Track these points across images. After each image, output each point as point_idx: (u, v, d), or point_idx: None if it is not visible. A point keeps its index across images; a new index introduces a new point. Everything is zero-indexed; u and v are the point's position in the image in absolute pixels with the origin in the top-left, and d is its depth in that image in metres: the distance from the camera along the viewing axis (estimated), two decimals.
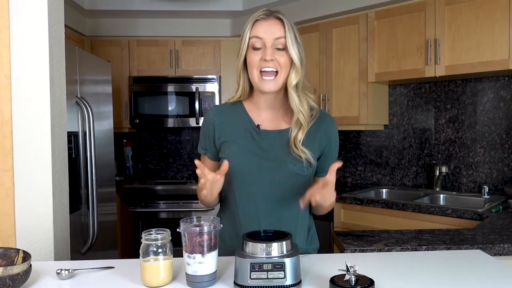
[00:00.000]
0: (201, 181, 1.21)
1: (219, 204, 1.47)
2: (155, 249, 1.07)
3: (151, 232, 1.10)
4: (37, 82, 1.54)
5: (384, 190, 3.21)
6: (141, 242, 1.09)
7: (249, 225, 1.31)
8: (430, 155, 3.14)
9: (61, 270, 1.14)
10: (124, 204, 3.56)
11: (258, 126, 1.35)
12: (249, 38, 1.29)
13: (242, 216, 1.34)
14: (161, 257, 1.07)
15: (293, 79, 1.29)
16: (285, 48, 1.27)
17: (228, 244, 1.33)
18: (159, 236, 1.08)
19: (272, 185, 1.31)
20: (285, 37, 1.26)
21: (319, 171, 1.37)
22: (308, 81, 1.36)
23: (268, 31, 1.27)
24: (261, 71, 1.28)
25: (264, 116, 1.37)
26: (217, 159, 1.40)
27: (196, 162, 1.17)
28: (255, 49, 1.28)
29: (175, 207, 3.54)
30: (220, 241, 1.31)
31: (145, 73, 3.84)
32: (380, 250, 1.64)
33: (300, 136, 1.30)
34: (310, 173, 1.34)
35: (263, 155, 1.31)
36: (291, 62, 1.29)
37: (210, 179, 1.17)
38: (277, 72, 1.28)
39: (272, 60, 1.26)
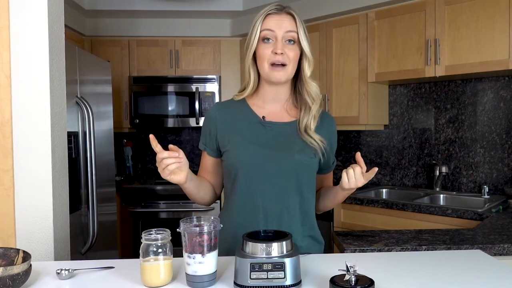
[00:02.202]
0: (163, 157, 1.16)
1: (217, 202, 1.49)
2: (155, 249, 1.07)
3: (151, 232, 1.10)
4: (37, 82, 1.54)
5: (384, 190, 3.21)
6: (141, 242, 1.09)
7: (254, 215, 1.32)
8: (430, 155, 3.14)
9: (61, 270, 1.14)
10: (124, 204, 3.56)
11: (263, 117, 1.37)
12: (260, 31, 1.31)
13: (248, 207, 1.33)
14: (161, 257, 1.07)
15: (307, 70, 1.34)
16: (295, 42, 1.31)
17: (230, 242, 1.33)
18: (159, 236, 1.08)
19: (277, 175, 1.31)
20: (296, 32, 1.30)
21: (323, 167, 1.41)
22: None
23: (280, 24, 1.29)
24: (271, 64, 1.30)
25: (268, 109, 1.39)
26: (217, 156, 1.41)
27: (151, 136, 1.18)
28: (265, 41, 1.31)
29: (175, 207, 3.54)
30: (221, 238, 1.33)
31: (145, 73, 3.84)
32: (380, 250, 1.64)
33: (313, 124, 1.34)
34: (314, 163, 1.36)
35: (268, 146, 1.33)
36: (300, 55, 1.32)
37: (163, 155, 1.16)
38: (285, 65, 1.31)
39: (282, 53, 1.28)
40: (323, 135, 1.36)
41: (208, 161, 1.44)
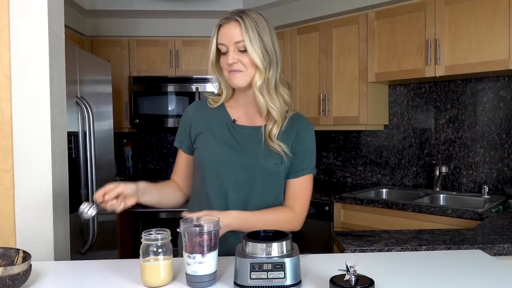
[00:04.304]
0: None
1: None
2: (155, 249, 1.07)
3: (151, 232, 1.10)
4: (37, 82, 1.54)
5: (384, 190, 3.21)
6: (141, 242, 1.09)
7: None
8: (430, 155, 3.14)
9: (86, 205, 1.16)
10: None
11: (234, 120, 1.39)
12: (216, 45, 1.32)
13: (213, 205, 1.35)
14: (161, 257, 1.07)
15: (258, 81, 1.30)
16: (247, 50, 1.28)
17: None
18: (159, 236, 1.08)
19: (242, 178, 1.33)
20: (243, 40, 1.27)
21: (290, 172, 1.38)
22: (282, 74, 1.38)
23: (228, 36, 1.28)
24: (230, 71, 1.31)
25: (242, 111, 1.40)
26: (191, 153, 1.43)
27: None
28: (222, 53, 1.32)
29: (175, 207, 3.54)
30: None
31: (145, 73, 3.84)
32: (380, 250, 1.64)
33: (275, 130, 1.32)
34: (280, 170, 1.35)
35: (236, 149, 1.35)
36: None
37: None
38: (243, 71, 1.30)
39: (235, 62, 1.28)
40: (288, 140, 1.35)
41: (182, 159, 1.46)
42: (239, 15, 1.28)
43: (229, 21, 1.29)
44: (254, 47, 1.27)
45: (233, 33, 1.27)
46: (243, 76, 1.30)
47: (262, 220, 1.28)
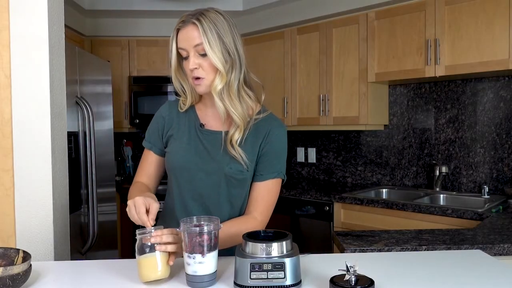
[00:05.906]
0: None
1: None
2: (150, 243, 1.07)
3: (145, 228, 1.10)
4: (37, 82, 1.54)
5: (384, 190, 3.21)
6: (136, 239, 1.09)
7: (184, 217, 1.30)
8: (430, 155, 3.14)
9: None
10: (124, 204, 3.54)
11: (201, 125, 1.36)
12: (176, 49, 1.28)
13: (178, 209, 1.35)
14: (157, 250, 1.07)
15: (218, 85, 1.25)
16: (207, 53, 1.23)
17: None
18: (153, 230, 1.08)
19: (207, 185, 1.32)
20: (202, 43, 1.22)
21: (256, 174, 1.34)
22: (255, 76, 1.34)
23: (187, 40, 1.24)
24: (193, 78, 1.28)
25: (210, 115, 1.37)
26: (162, 154, 1.41)
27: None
28: (184, 58, 1.28)
29: None
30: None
31: (145, 73, 3.84)
32: (380, 250, 1.64)
33: (237, 136, 1.28)
34: (246, 177, 1.32)
35: (202, 154, 1.32)
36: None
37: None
38: (204, 77, 1.26)
39: (196, 68, 1.25)
40: (257, 141, 1.32)
41: (153, 160, 1.43)
42: (196, 17, 1.23)
43: (186, 24, 1.24)
44: (214, 50, 1.22)
45: (191, 36, 1.23)
46: (206, 83, 1.26)
47: (224, 233, 1.21)
